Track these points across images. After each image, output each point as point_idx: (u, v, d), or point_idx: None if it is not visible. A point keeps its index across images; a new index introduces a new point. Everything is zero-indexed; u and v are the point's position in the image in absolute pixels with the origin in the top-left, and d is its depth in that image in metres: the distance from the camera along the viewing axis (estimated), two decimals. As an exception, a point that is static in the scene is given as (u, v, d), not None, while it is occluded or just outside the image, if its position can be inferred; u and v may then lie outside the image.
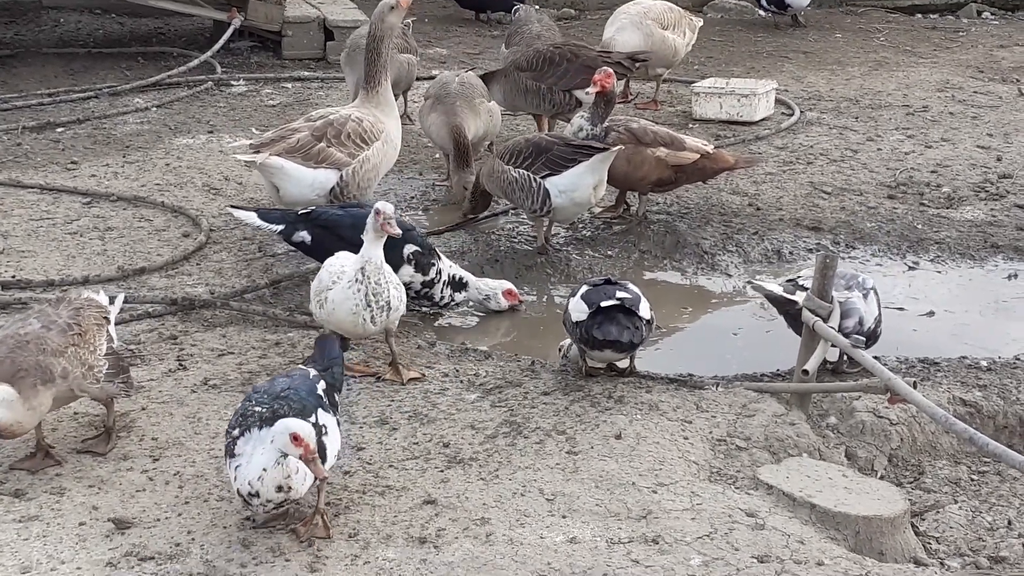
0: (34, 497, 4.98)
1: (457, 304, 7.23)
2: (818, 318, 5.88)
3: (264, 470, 4.60)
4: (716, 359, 6.91)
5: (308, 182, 7.53)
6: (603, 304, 5.95)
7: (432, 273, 7.01)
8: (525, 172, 7.73)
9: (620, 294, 6.01)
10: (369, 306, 5.86)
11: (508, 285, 7.33)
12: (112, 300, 5.76)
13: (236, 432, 4.73)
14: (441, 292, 7.09)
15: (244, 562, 4.62)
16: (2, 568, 4.57)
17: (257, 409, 4.75)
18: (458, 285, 7.14)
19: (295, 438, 4.53)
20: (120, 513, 4.89)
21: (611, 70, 8.24)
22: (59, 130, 10.28)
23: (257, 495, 4.63)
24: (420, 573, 4.59)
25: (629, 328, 5.94)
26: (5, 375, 4.89)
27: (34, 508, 4.91)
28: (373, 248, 5.87)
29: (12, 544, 4.69)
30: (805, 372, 5.83)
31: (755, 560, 4.73)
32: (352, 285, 5.86)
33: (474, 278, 7.28)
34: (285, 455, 4.58)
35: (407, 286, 6.87)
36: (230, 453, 4.72)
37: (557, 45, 9.89)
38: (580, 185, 7.71)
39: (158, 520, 4.86)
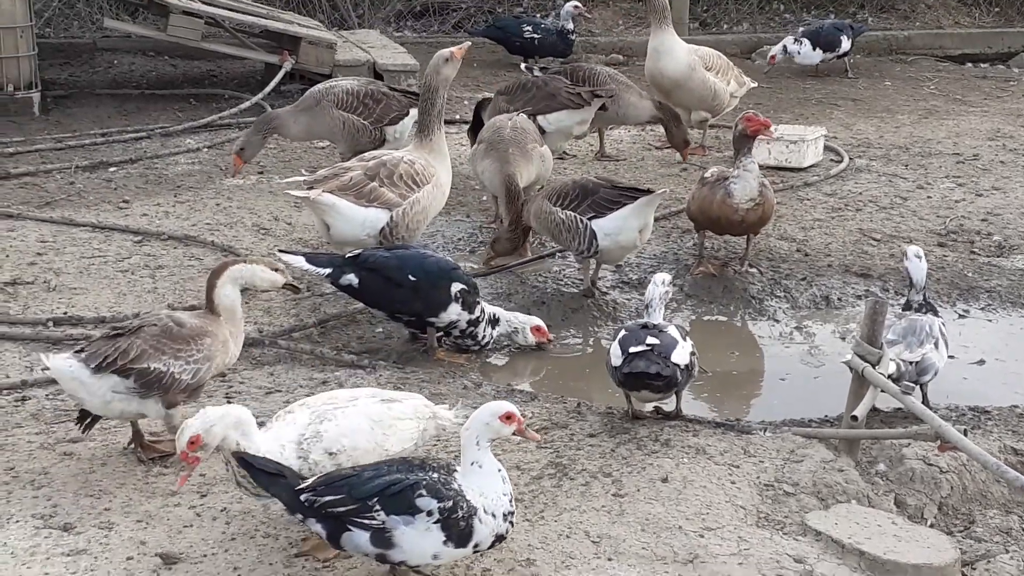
0: (83, 531, 5.00)
1: (495, 342, 7.24)
2: (867, 364, 5.84)
3: (499, 469, 4.58)
4: (763, 404, 6.89)
5: (359, 221, 7.57)
6: (631, 350, 5.97)
7: (477, 312, 7.06)
8: (572, 214, 7.74)
9: (650, 340, 5.99)
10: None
11: (537, 321, 7.30)
12: None
13: (459, 477, 4.51)
14: (484, 331, 7.13)
15: (289, 599, 4.63)
16: (50, 601, 4.59)
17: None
18: (494, 321, 7.18)
19: (508, 416, 4.52)
20: (167, 548, 4.90)
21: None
22: (112, 169, 10.41)
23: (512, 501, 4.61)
24: (465, 613, 4.58)
25: (658, 363, 5.91)
26: None
27: (82, 542, 4.93)
28: None
29: (60, 577, 4.72)
30: (854, 418, 5.78)
31: (803, 607, 4.69)
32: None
33: (504, 312, 7.29)
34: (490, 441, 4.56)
35: (454, 325, 7.03)
36: (471, 513, 4.46)
37: (536, 76, 10.50)
38: (625, 228, 7.71)
39: (205, 556, 4.87)
